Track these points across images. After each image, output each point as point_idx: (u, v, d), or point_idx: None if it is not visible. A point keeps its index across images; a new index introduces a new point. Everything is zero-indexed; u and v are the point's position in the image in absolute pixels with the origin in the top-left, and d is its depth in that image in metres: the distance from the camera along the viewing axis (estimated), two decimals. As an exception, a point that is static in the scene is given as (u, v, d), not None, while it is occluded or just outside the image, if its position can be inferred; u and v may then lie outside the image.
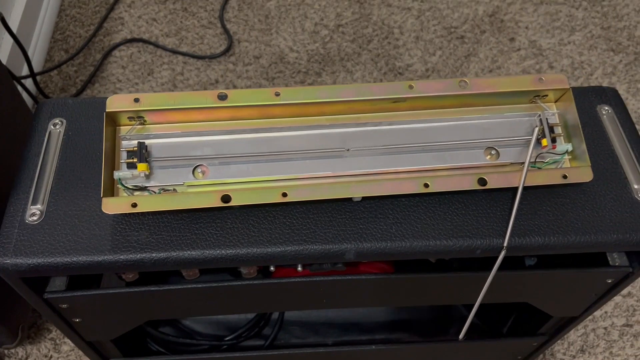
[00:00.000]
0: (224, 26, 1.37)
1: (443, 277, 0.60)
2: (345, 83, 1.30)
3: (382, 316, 0.90)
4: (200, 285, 0.58)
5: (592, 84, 1.32)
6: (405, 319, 0.91)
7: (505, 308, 0.85)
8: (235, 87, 1.28)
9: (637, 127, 1.24)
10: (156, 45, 1.34)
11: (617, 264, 0.59)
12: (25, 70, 1.24)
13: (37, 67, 1.28)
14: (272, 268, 0.60)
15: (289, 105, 0.54)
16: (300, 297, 0.62)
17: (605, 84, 1.32)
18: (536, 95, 0.57)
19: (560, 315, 0.70)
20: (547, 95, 0.57)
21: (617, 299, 1.03)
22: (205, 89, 1.28)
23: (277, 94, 0.53)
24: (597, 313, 1.02)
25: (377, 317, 0.90)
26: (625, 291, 1.04)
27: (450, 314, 0.91)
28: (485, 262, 0.55)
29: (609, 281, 0.61)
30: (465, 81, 0.55)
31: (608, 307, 1.02)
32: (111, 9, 1.39)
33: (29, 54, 1.25)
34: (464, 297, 0.65)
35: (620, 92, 1.31)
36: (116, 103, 0.52)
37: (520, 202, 0.54)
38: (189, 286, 0.58)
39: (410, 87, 0.54)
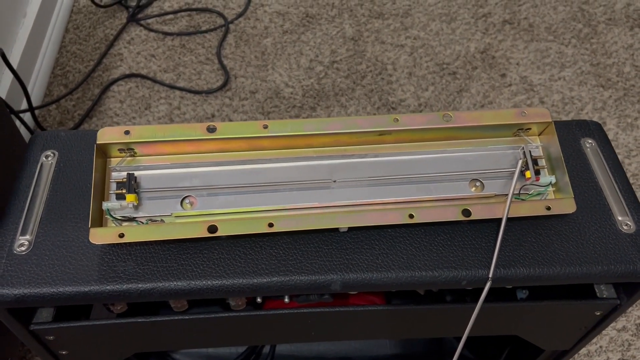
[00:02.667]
0: (221, 62, 1.40)
1: (431, 309, 0.60)
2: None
3: (375, 350, 0.89)
4: (187, 317, 0.58)
5: (583, 119, 1.34)
6: (398, 353, 0.90)
7: (500, 342, 0.85)
8: (231, 121, 1.30)
9: (628, 160, 1.26)
10: (154, 81, 1.36)
11: (604, 296, 0.59)
12: (24, 105, 1.26)
13: (36, 102, 1.30)
14: (259, 299, 0.60)
15: (276, 138, 0.55)
16: (288, 329, 0.61)
17: (595, 119, 1.34)
18: (519, 129, 0.58)
19: (551, 348, 0.69)
20: (530, 129, 0.58)
21: (612, 333, 1.02)
22: (201, 122, 1.30)
23: (265, 127, 0.54)
24: (592, 348, 1.01)
25: (370, 352, 0.90)
26: (619, 325, 1.03)
27: (443, 348, 0.91)
28: (478, 294, 0.55)
29: (598, 313, 0.61)
30: (450, 115, 0.56)
31: (603, 341, 1.01)
32: (111, 45, 1.42)
33: (29, 88, 1.27)
34: (453, 330, 0.64)
35: (611, 126, 1.33)
36: (107, 135, 0.53)
37: (505, 233, 0.55)
38: (177, 318, 0.58)
39: (396, 120, 0.55)
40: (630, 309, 1.06)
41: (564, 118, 1.34)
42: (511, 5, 1.55)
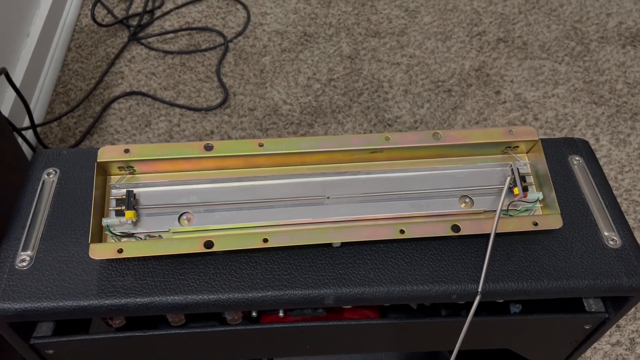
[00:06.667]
0: (220, 80, 1.43)
1: (424, 323, 0.61)
2: (336, 134, 1.34)
3: (370, 365, 0.90)
4: (184, 331, 0.59)
5: (576, 135, 1.36)
6: (393, 367, 0.90)
7: (493, 355, 0.85)
8: (230, 137, 1.32)
9: (621, 176, 1.27)
10: (154, 98, 1.39)
11: (593, 309, 0.60)
12: (26, 122, 1.28)
13: (38, 119, 1.32)
14: (254, 314, 0.61)
15: (272, 155, 0.56)
16: (283, 343, 0.62)
17: (588, 135, 1.36)
18: (508, 147, 0.60)
19: (543, 362, 0.70)
20: (518, 147, 0.60)
21: (606, 347, 1.03)
22: (200, 139, 1.32)
23: (261, 145, 0.56)
24: (587, 362, 1.02)
25: (366, 366, 0.90)
26: (614, 340, 1.04)
27: (438, 363, 0.91)
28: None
29: (587, 327, 0.62)
30: (440, 133, 0.58)
31: (597, 355, 1.02)
32: (112, 63, 1.45)
33: (31, 106, 1.30)
34: (446, 343, 0.65)
35: (604, 143, 1.35)
36: (107, 154, 0.55)
37: (494, 249, 0.56)
38: (174, 332, 0.59)
39: (387, 138, 0.57)
40: (624, 323, 1.07)
41: (558, 134, 1.36)
42: (505, 24, 1.58)
